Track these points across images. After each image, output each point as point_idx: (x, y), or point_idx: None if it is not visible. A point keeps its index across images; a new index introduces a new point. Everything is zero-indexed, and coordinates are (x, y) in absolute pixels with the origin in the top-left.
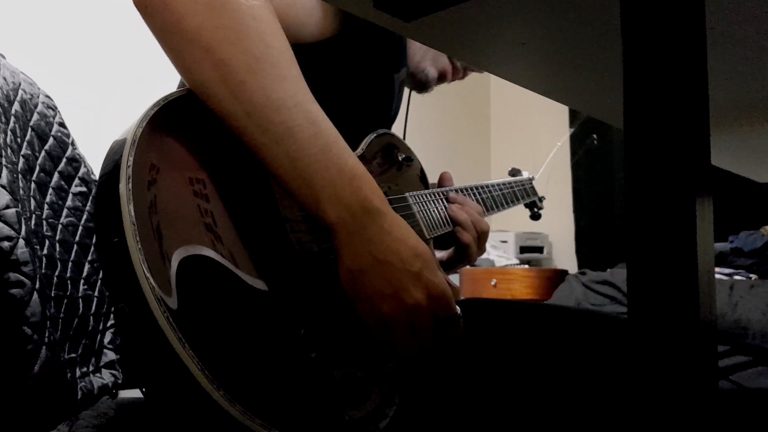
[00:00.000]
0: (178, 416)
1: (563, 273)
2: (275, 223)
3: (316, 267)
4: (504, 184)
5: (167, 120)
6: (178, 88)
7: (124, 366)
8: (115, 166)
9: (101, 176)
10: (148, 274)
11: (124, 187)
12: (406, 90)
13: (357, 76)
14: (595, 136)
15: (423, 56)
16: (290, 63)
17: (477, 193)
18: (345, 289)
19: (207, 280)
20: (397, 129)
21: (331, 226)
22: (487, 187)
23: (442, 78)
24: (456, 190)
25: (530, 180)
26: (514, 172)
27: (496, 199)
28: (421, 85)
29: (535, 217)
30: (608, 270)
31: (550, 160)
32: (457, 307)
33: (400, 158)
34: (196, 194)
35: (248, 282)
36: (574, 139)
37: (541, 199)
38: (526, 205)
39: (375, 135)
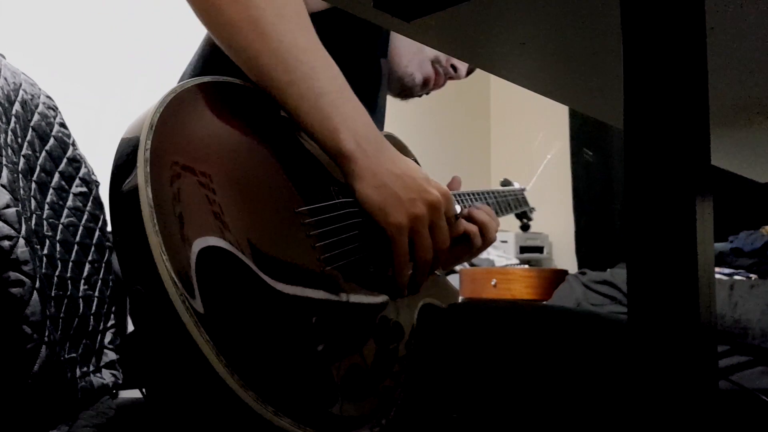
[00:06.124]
0: (186, 408)
1: (563, 273)
2: (288, 215)
3: (327, 257)
4: (499, 192)
5: (183, 108)
6: (184, 79)
7: (125, 360)
8: (132, 151)
9: (117, 160)
10: (166, 258)
11: (142, 171)
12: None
13: (349, 51)
14: (586, 150)
15: (410, 61)
16: (307, 15)
17: (476, 199)
18: (370, 208)
19: (224, 270)
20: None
21: (350, 154)
22: (485, 194)
23: (425, 84)
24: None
25: (522, 191)
26: (506, 183)
27: (491, 206)
28: (407, 90)
29: (525, 227)
30: (608, 270)
31: (540, 173)
32: (457, 206)
33: None
34: (206, 186)
35: (262, 273)
36: (572, 146)
37: (531, 210)
38: (517, 216)
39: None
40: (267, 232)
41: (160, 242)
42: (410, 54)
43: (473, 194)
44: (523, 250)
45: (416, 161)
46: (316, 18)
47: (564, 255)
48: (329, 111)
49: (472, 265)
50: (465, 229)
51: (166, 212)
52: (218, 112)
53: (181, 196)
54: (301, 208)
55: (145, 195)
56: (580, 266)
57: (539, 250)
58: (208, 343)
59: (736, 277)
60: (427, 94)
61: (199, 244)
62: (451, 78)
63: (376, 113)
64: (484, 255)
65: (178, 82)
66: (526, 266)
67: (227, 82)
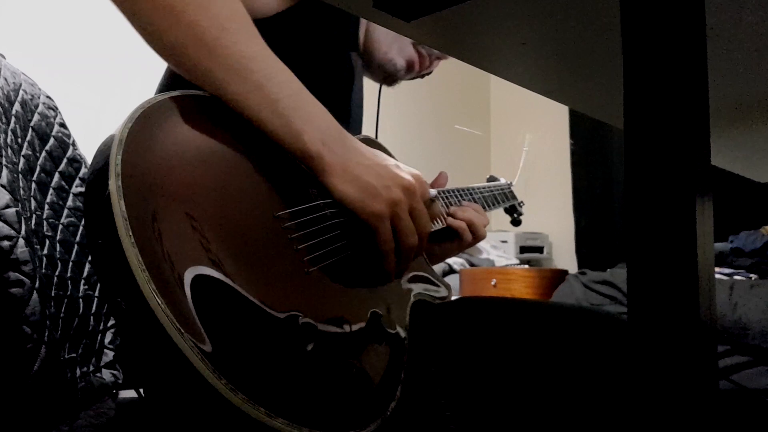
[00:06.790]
0: (180, 412)
1: (563, 273)
2: (267, 221)
3: (311, 258)
4: (485, 188)
5: (151, 122)
6: (157, 92)
7: (123, 362)
8: (103, 165)
9: (90, 173)
10: (144, 268)
11: (113, 184)
12: (376, 84)
13: (313, 51)
14: (571, 141)
15: (389, 47)
16: (252, 24)
17: (462, 196)
18: (348, 203)
19: (205, 280)
20: (370, 125)
21: (317, 153)
22: (470, 190)
23: (410, 68)
24: (440, 192)
25: (509, 185)
26: (492, 179)
27: (477, 202)
28: (390, 77)
29: (516, 222)
30: (608, 270)
31: (523, 165)
32: (432, 190)
33: None
34: (179, 198)
35: (245, 278)
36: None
37: (520, 204)
38: (506, 211)
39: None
40: (245, 238)
41: (136, 254)
42: (389, 40)
43: (459, 191)
44: (523, 250)
45: (396, 160)
46: (275, 20)
47: (564, 255)
48: (289, 115)
49: (471, 265)
50: (452, 225)
51: (140, 225)
52: (189, 124)
53: (155, 209)
54: (280, 213)
55: (119, 208)
56: (580, 266)
57: (539, 250)
58: (193, 348)
59: (736, 277)
60: (421, 78)
61: (178, 258)
62: (438, 59)
63: (352, 107)
64: (484, 255)
65: (155, 94)
66: (526, 266)
67: (196, 95)
